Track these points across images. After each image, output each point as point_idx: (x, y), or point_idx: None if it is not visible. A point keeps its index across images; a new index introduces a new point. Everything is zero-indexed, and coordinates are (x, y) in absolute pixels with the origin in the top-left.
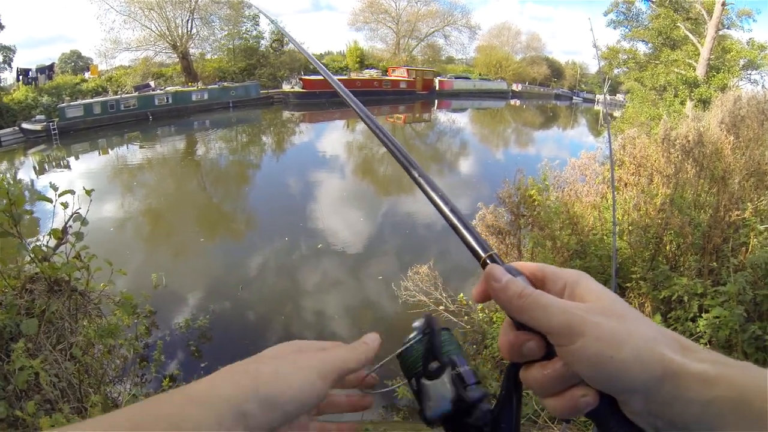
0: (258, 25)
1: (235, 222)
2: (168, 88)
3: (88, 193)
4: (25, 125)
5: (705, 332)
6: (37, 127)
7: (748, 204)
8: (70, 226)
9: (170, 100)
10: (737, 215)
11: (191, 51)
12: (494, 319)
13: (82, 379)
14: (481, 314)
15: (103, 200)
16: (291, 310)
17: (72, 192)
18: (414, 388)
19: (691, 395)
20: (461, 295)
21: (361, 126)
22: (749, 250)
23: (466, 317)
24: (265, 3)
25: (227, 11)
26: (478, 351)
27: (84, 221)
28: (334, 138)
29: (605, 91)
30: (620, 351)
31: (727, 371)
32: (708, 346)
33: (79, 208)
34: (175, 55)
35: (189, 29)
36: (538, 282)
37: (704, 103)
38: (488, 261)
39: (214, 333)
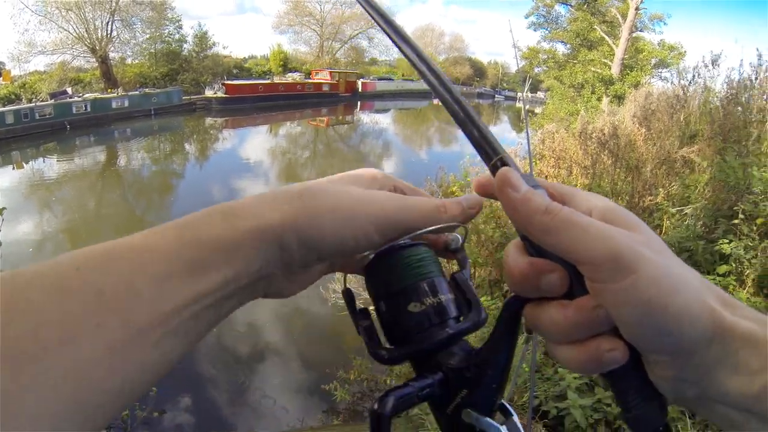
0: (181, 28)
1: None
2: (86, 95)
3: (0, 212)
4: None
5: None
6: None
7: (660, 190)
8: None
9: (89, 108)
10: (651, 200)
11: (111, 55)
12: None
13: None
14: None
15: (19, 219)
16: (226, 325)
17: None
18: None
19: (739, 360)
20: None
21: (284, 130)
22: (663, 231)
23: None
24: (189, 4)
25: (150, 13)
26: None
27: None
28: (258, 143)
29: (526, 89)
30: (676, 298)
31: None
32: None
33: None
34: (94, 60)
35: (109, 32)
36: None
37: (619, 98)
38: (499, 164)
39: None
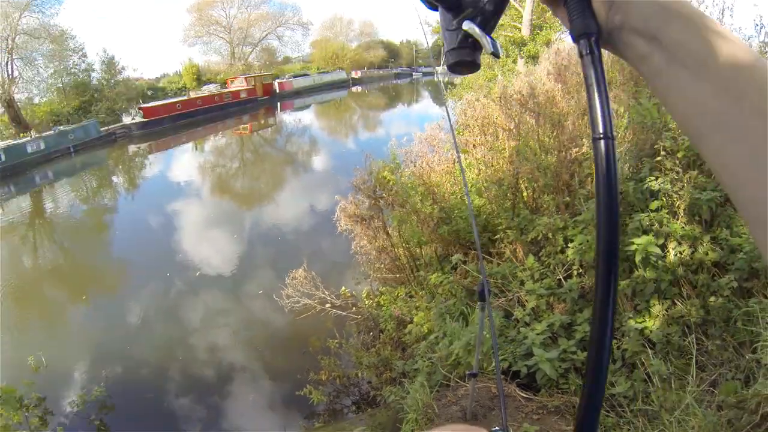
0: (86, 57)
1: (105, 276)
2: None
3: None
4: None
5: (574, 258)
6: None
7: (584, 140)
8: None
9: (3, 157)
10: (577, 151)
11: (17, 97)
12: (381, 303)
13: None
14: (367, 302)
15: None
16: (185, 351)
17: None
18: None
19: None
20: (343, 288)
21: (209, 145)
22: (593, 179)
23: (353, 308)
24: (92, 30)
25: (50, 46)
26: (375, 337)
27: None
28: (186, 162)
29: (442, 63)
30: None
31: None
32: (580, 269)
33: None
34: None
35: (10, 72)
36: None
37: (533, 59)
38: None
39: (114, 400)
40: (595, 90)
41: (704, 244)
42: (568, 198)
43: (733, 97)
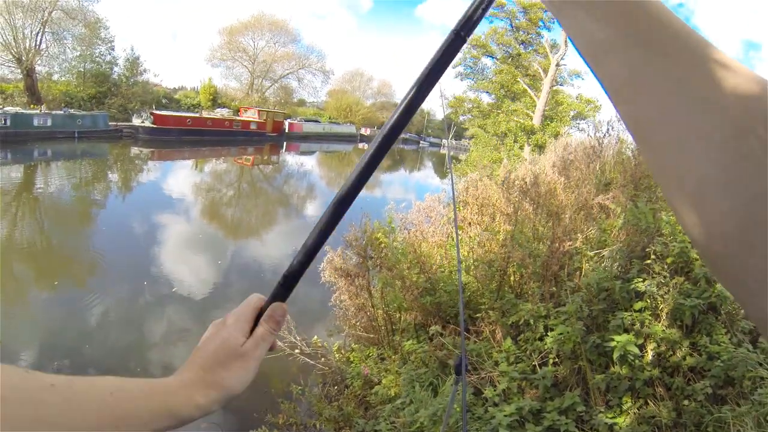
0: (113, 49)
1: (77, 267)
2: (7, 108)
3: None
4: None
5: (552, 348)
6: None
7: (579, 235)
8: None
9: (8, 122)
10: (570, 245)
11: (37, 69)
12: (351, 359)
13: None
14: (337, 355)
15: None
16: (139, 364)
17: None
18: None
19: None
20: (315, 337)
21: (209, 167)
22: (583, 273)
23: (322, 359)
24: (123, 29)
25: (82, 30)
26: (339, 391)
27: None
28: (183, 178)
29: (450, 136)
30: None
31: None
32: (557, 359)
33: None
34: (19, 71)
35: (38, 43)
36: None
37: (540, 147)
38: None
39: None
40: None
41: (683, 349)
42: (554, 288)
43: (619, 32)
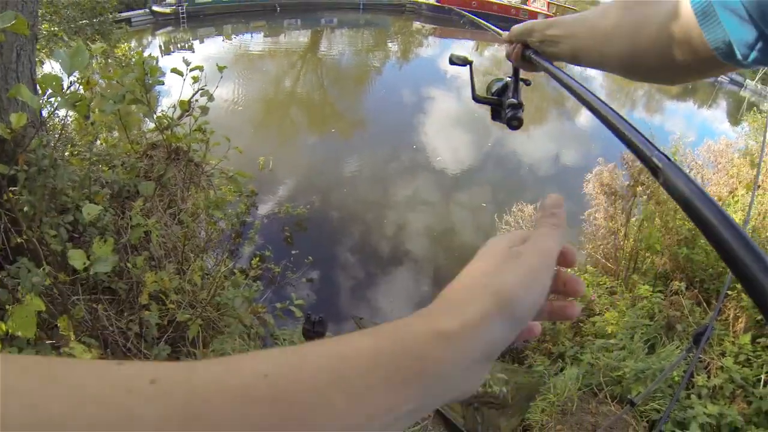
0: None
1: (346, 122)
2: None
3: (221, 68)
4: (155, 8)
5: None
6: (167, 10)
7: None
8: (196, 100)
9: None
10: None
11: None
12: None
13: (185, 243)
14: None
15: (222, 82)
16: (382, 218)
17: (202, 68)
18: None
19: (537, 28)
20: None
21: (489, 51)
22: None
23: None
24: None
25: None
26: None
27: (211, 97)
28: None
29: (759, 77)
30: (528, 22)
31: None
32: None
33: (205, 85)
34: None
35: None
36: None
37: None
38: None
39: (309, 224)
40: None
41: None
42: None
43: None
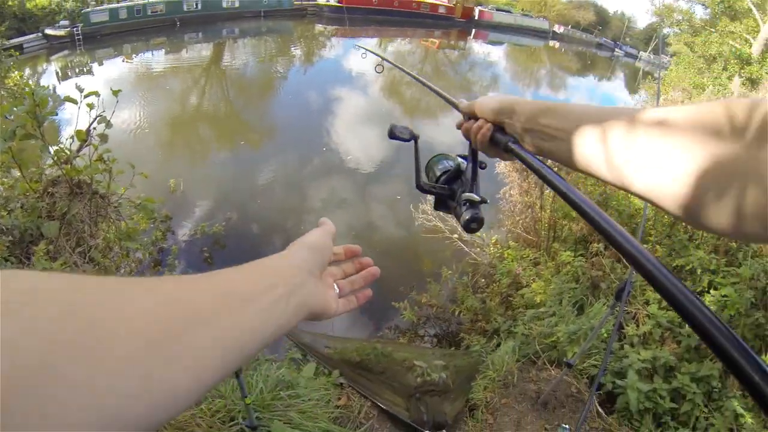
0: None
1: (254, 132)
2: None
3: (115, 93)
4: (48, 31)
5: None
6: (61, 32)
7: None
8: (94, 128)
9: (199, 6)
10: None
11: None
12: (506, 256)
13: None
14: (493, 249)
15: (124, 106)
16: (300, 223)
17: (97, 94)
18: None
19: (527, 109)
20: None
21: (393, 46)
22: None
23: (477, 249)
24: None
25: None
26: (486, 285)
27: (108, 123)
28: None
29: (651, 48)
30: (498, 98)
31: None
32: None
33: (103, 111)
34: None
35: None
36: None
37: (753, 82)
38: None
39: (227, 240)
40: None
41: None
42: (733, 244)
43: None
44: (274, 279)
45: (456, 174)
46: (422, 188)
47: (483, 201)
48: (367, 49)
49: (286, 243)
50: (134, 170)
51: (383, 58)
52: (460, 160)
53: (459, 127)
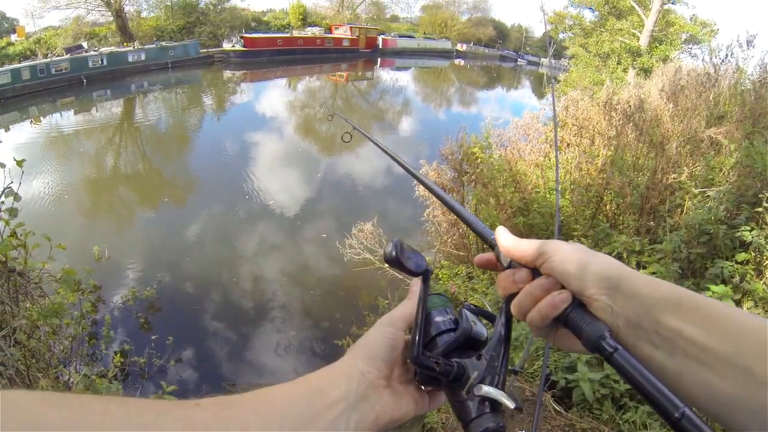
0: None
1: (176, 188)
2: (102, 50)
3: (20, 164)
4: None
5: None
6: None
7: (684, 168)
8: (2, 203)
9: (105, 62)
10: (674, 178)
11: (126, 8)
12: (440, 276)
13: (29, 364)
14: None
15: (37, 173)
16: (233, 277)
17: (2, 165)
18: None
19: (643, 292)
20: None
21: (302, 85)
22: (684, 211)
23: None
24: None
25: None
26: None
27: (17, 196)
28: (276, 97)
29: (550, 54)
30: (594, 258)
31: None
32: None
33: (11, 183)
34: (109, 14)
35: None
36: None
37: (645, 72)
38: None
39: (161, 303)
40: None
41: None
42: (652, 223)
43: (741, 380)
44: (328, 400)
45: (466, 343)
46: (420, 363)
47: (518, 407)
48: (340, 115)
49: (222, 298)
50: (51, 243)
51: (354, 127)
52: (470, 317)
53: (483, 265)
